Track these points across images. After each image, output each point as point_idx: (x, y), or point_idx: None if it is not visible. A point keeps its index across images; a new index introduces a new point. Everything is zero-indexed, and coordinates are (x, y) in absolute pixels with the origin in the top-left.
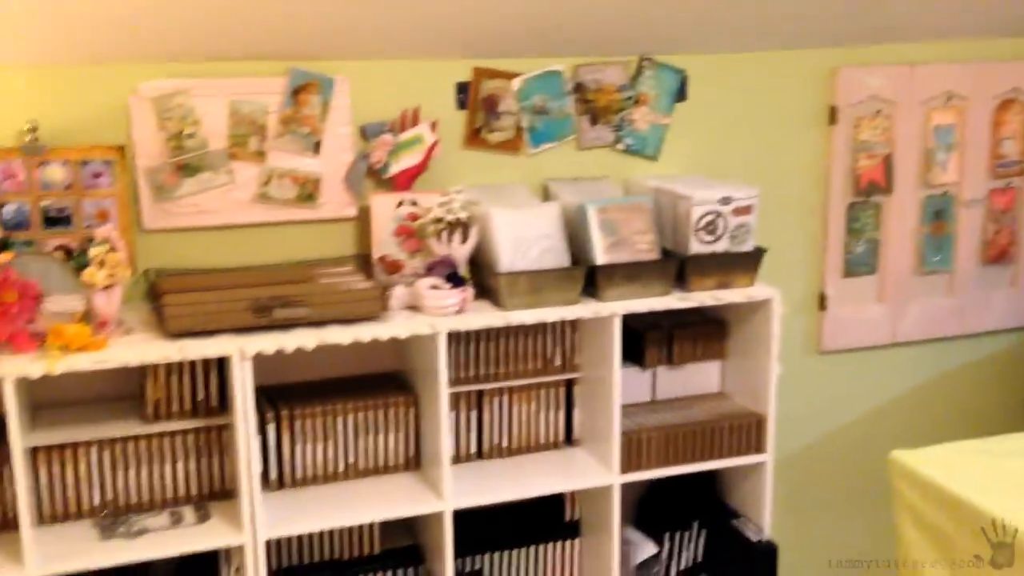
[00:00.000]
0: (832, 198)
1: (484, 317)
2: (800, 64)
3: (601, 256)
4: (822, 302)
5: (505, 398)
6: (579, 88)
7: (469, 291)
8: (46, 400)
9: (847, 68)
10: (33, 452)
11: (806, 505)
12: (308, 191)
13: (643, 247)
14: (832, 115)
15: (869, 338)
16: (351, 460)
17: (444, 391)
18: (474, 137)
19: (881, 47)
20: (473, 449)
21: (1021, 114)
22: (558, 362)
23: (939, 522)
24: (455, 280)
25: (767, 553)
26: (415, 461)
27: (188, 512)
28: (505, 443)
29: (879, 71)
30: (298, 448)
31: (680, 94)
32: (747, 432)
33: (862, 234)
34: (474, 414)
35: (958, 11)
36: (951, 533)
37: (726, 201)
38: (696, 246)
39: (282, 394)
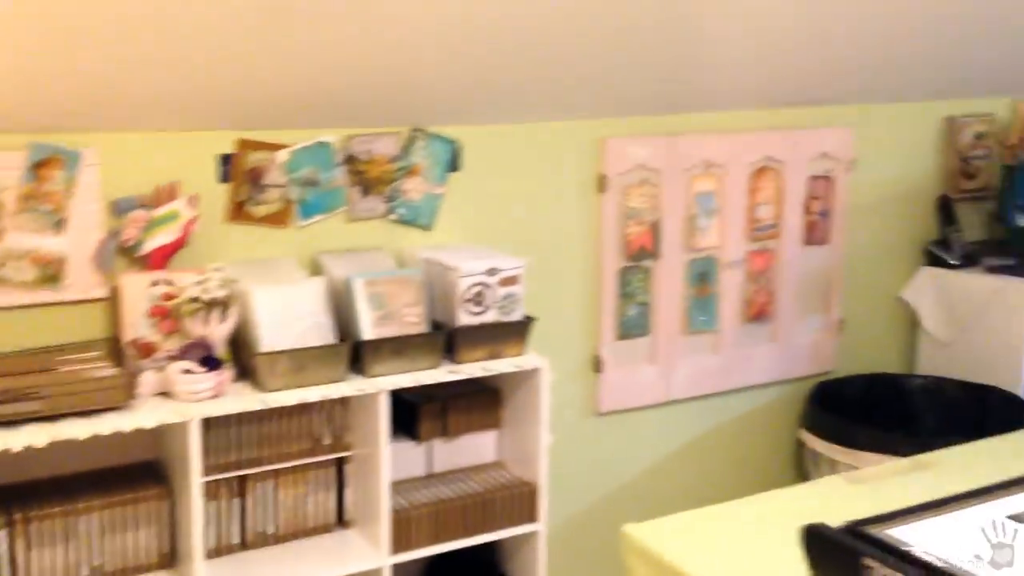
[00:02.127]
0: (604, 264)
1: (240, 401)
2: (569, 135)
3: (368, 330)
4: (598, 365)
5: (271, 482)
6: (350, 159)
7: (226, 374)
8: None
9: (614, 139)
10: None
11: (585, 572)
12: (51, 272)
13: (412, 320)
14: (601, 184)
15: (644, 398)
16: (96, 563)
17: (197, 481)
18: (238, 211)
19: (645, 118)
20: (236, 540)
21: (774, 180)
22: (328, 441)
23: None
24: (211, 363)
25: None
26: (170, 558)
27: None
28: (272, 530)
29: (644, 141)
30: (34, 554)
31: (453, 164)
32: (520, 502)
33: (634, 298)
34: (237, 501)
35: (714, 86)
36: None
37: (492, 272)
38: (464, 317)
39: (19, 494)
